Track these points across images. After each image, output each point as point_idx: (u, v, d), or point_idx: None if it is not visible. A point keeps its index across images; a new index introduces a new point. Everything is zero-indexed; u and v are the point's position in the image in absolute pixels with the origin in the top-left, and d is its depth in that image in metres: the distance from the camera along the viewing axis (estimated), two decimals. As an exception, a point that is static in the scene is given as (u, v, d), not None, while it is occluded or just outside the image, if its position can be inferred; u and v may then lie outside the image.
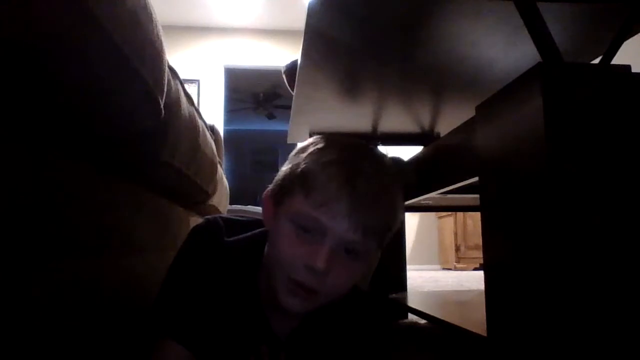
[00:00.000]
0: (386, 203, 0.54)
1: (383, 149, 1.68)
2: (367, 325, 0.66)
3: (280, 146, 8.00)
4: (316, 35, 0.82)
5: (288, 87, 1.41)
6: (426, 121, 1.40)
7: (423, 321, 1.20)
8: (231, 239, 0.62)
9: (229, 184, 1.88)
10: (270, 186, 0.60)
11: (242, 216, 0.68)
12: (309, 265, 0.51)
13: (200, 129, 0.97)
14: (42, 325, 0.45)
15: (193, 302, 0.58)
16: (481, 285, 0.67)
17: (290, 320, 0.62)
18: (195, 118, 0.90)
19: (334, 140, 0.58)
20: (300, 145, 0.60)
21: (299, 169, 0.54)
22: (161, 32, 0.59)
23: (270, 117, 6.89)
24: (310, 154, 0.56)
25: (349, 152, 0.55)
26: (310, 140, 0.59)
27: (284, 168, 0.58)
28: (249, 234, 0.63)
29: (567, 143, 0.50)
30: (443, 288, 2.64)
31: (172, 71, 0.73)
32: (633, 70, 0.53)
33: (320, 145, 0.57)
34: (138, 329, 0.63)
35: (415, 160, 1.12)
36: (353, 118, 1.35)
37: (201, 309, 0.58)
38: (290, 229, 0.53)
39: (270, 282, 0.56)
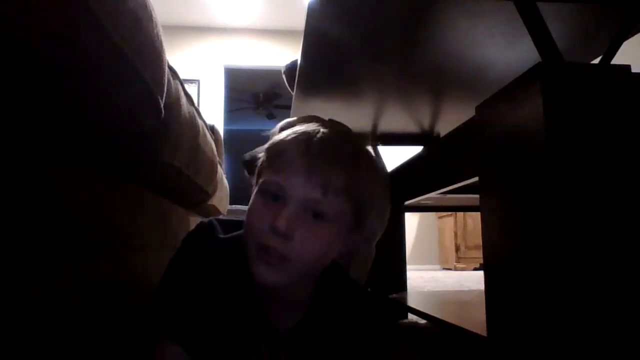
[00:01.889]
0: (344, 161, 0.55)
1: (381, 149, 1.69)
2: (367, 323, 0.66)
3: (280, 146, 7.97)
4: (316, 35, 0.82)
5: (288, 87, 1.41)
6: (426, 121, 1.40)
7: (423, 321, 1.21)
8: (225, 236, 0.62)
9: (229, 184, 1.88)
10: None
11: (237, 217, 0.69)
12: (272, 225, 0.52)
13: (200, 129, 0.97)
14: (43, 325, 0.45)
15: (190, 302, 0.58)
16: (481, 285, 0.67)
17: (290, 313, 0.61)
18: (195, 118, 0.90)
19: (298, 119, 0.62)
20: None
21: (265, 149, 0.59)
22: (161, 32, 0.59)
23: (270, 117, 6.89)
24: (274, 133, 0.60)
25: (309, 123, 0.59)
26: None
27: (260, 154, 0.62)
28: (241, 231, 0.63)
29: (567, 143, 0.50)
30: (443, 288, 2.64)
31: (172, 71, 0.73)
32: (633, 70, 0.53)
33: (283, 124, 0.61)
34: (137, 328, 0.63)
35: (416, 160, 1.12)
36: (353, 118, 1.35)
37: (198, 307, 0.58)
38: (259, 199, 0.56)
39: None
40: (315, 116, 0.63)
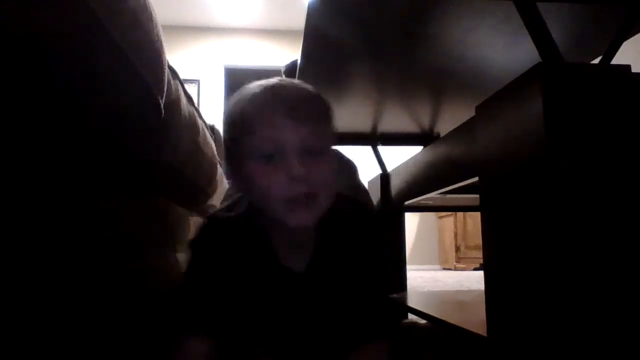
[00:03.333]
0: (310, 93, 0.59)
1: (382, 149, 1.69)
2: (365, 227, 0.69)
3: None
4: (316, 35, 0.82)
5: (288, 87, 1.41)
6: (426, 121, 1.40)
7: (423, 321, 1.20)
8: (230, 214, 0.65)
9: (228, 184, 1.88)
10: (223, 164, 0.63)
11: (227, 202, 0.71)
12: (290, 178, 0.54)
13: (200, 129, 0.97)
14: (45, 326, 0.45)
15: (212, 285, 0.60)
16: (481, 285, 0.67)
17: (304, 257, 0.64)
18: (195, 118, 0.90)
19: (245, 88, 0.63)
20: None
21: (231, 120, 0.59)
22: (161, 32, 0.59)
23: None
24: (231, 107, 0.60)
25: (260, 86, 0.60)
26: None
27: (225, 137, 0.63)
28: (239, 205, 0.66)
29: (567, 143, 0.50)
30: (443, 288, 2.64)
31: (172, 71, 0.73)
32: (633, 70, 0.53)
33: (237, 97, 0.61)
34: (147, 327, 0.63)
35: (416, 160, 1.12)
36: (353, 118, 1.35)
37: (222, 288, 0.60)
38: (256, 165, 0.56)
39: (277, 225, 0.59)
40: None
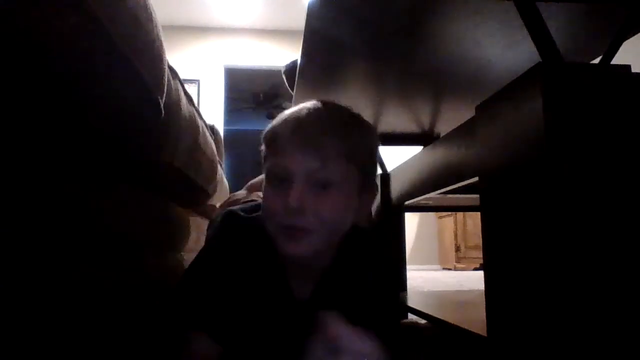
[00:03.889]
0: (335, 127, 0.57)
1: (382, 149, 1.68)
2: (372, 261, 0.68)
3: (280, 146, 7.97)
4: (316, 35, 0.82)
5: (288, 87, 1.41)
6: (426, 121, 1.40)
7: (423, 321, 1.20)
8: (247, 216, 0.65)
9: (229, 184, 1.88)
10: None
11: (255, 200, 0.71)
12: (285, 208, 0.54)
13: (200, 129, 0.97)
14: (43, 327, 0.45)
15: (214, 289, 0.60)
16: (481, 285, 0.67)
17: (314, 282, 0.64)
18: (195, 118, 0.90)
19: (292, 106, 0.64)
20: None
21: (263, 136, 0.61)
22: (161, 32, 0.59)
23: (270, 117, 6.84)
24: (270, 123, 0.62)
25: (300, 105, 0.61)
26: None
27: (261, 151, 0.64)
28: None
29: (567, 143, 0.50)
30: (443, 288, 2.64)
31: (172, 71, 0.73)
32: (633, 70, 0.53)
33: (280, 114, 0.63)
34: (146, 327, 0.63)
35: (416, 160, 1.12)
36: (353, 118, 1.35)
37: (223, 293, 0.60)
38: (268, 186, 0.59)
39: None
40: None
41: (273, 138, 0.58)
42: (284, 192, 0.55)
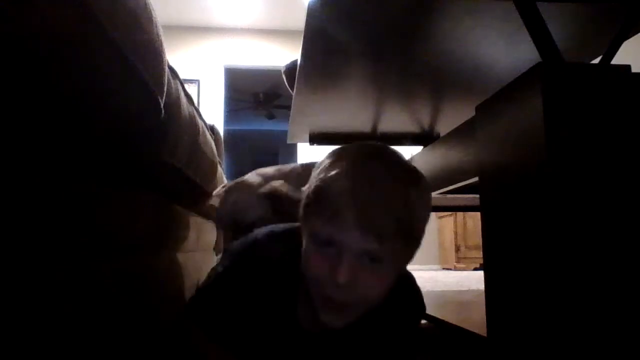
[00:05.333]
0: (394, 204, 0.52)
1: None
2: (400, 321, 0.67)
3: (280, 146, 8.00)
4: (316, 35, 0.82)
5: (288, 87, 1.41)
6: (426, 121, 1.40)
7: (423, 321, 1.20)
8: (269, 253, 0.64)
9: (229, 184, 1.87)
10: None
11: (291, 225, 0.66)
12: (333, 280, 0.51)
13: (200, 129, 0.96)
14: (43, 327, 0.45)
15: (229, 308, 0.62)
16: (481, 285, 0.67)
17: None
18: (195, 118, 0.90)
19: (343, 151, 0.58)
20: (319, 160, 0.61)
21: (311, 188, 0.56)
22: (161, 32, 0.59)
23: (270, 117, 6.89)
24: (321, 170, 0.56)
25: (355, 163, 0.55)
26: (326, 154, 0.60)
27: (305, 187, 0.59)
28: (283, 246, 0.64)
29: (567, 143, 0.50)
30: (443, 288, 2.64)
31: (172, 71, 0.73)
32: (633, 70, 0.53)
33: (330, 160, 0.57)
34: (146, 326, 0.63)
35: (415, 160, 1.12)
36: (353, 118, 1.35)
37: (236, 314, 0.62)
38: (313, 248, 0.55)
39: (310, 302, 0.57)
40: (361, 145, 0.59)
41: (325, 200, 0.53)
42: (332, 260, 0.52)
